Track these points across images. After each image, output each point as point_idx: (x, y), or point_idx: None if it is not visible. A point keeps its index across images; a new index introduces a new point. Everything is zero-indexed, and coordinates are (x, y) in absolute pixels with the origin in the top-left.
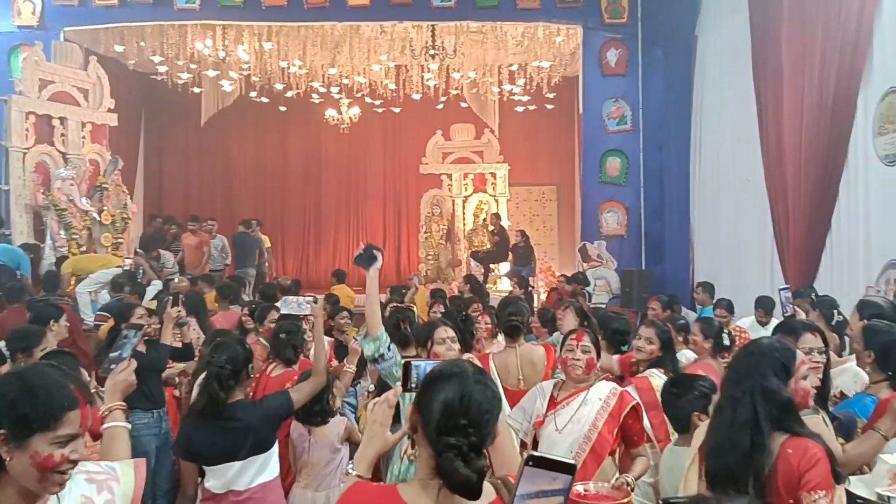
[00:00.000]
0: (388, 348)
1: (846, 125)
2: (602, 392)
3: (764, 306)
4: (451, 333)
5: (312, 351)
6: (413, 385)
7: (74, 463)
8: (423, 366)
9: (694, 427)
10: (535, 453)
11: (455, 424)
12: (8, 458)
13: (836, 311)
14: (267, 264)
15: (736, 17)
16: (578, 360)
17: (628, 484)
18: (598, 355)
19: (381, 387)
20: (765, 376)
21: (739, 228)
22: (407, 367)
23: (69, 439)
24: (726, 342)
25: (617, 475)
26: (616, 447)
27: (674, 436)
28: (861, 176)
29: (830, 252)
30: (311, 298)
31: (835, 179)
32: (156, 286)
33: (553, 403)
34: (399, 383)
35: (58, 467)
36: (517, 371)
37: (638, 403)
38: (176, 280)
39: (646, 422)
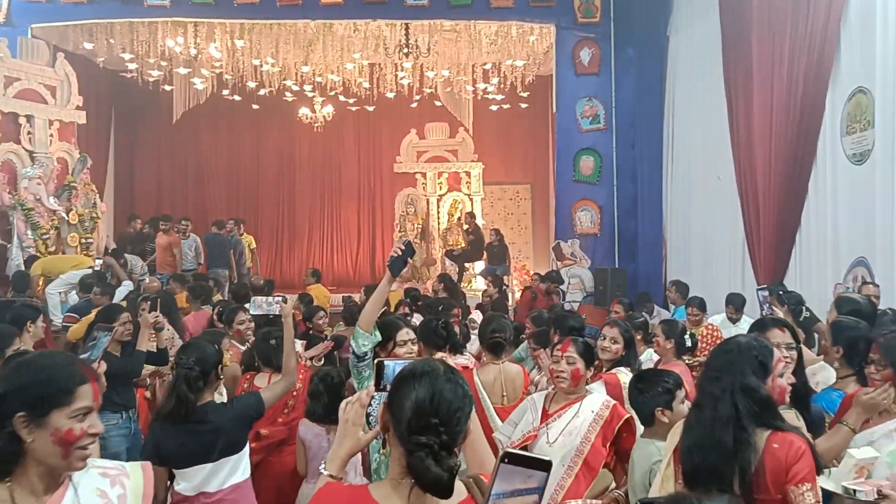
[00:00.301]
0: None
1: (815, 124)
2: (595, 404)
3: (734, 303)
4: (413, 336)
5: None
6: (385, 384)
7: (94, 437)
8: (393, 365)
9: (658, 422)
10: (511, 450)
11: (426, 423)
12: (30, 440)
13: (803, 308)
14: (252, 265)
15: (707, 18)
16: (563, 371)
17: (617, 501)
18: (590, 364)
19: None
20: (744, 374)
21: (711, 226)
22: (380, 367)
23: (85, 412)
24: (688, 343)
25: (613, 486)
26: (610, 460)
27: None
28: (829, 174)
29: (800, 249)
30: (280, 298)
31: (804, 178)
32: (126, 286)
33: (545, 416)
34: (372, 383)
35: (79, 441)
36: (501, 388)
37: (631, 416)
38: (147, 280)
39: None
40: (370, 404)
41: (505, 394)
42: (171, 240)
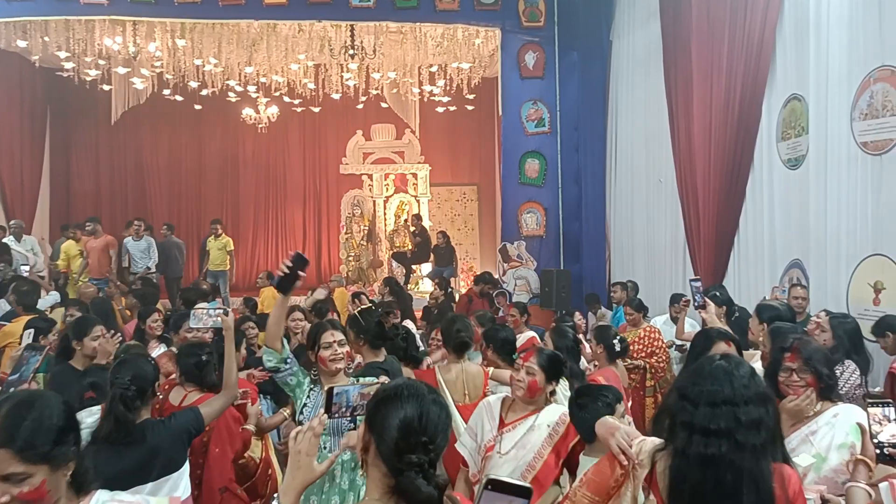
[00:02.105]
0: (288, 359)
1: (752, 130)
2: (552, 418)
3: (678, 303)
4: (340, 336)
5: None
6: (343, 410)
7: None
8: (350, 390)
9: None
10: (494, 477)
11: (416, 442)
12: None
13: (735, 308)
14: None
15: (648, 23)
16: (521, 381)
17: None
18: (552, 378)
19: None
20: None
21: (653, 228)
22: (330, 394)
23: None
24: (618, 348)
25: (559, 500)
26: (559, 476)
27: None
28: (766, 179)
29: (738, 251)
30: (221, 311)
31: (742, 182)
32: (53, 297)
33: (501, 424)
34: (323, 409)
35: None
36: (463, 386)
37: None
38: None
39: None
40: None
41: (467, 392)
42: (108, 241)
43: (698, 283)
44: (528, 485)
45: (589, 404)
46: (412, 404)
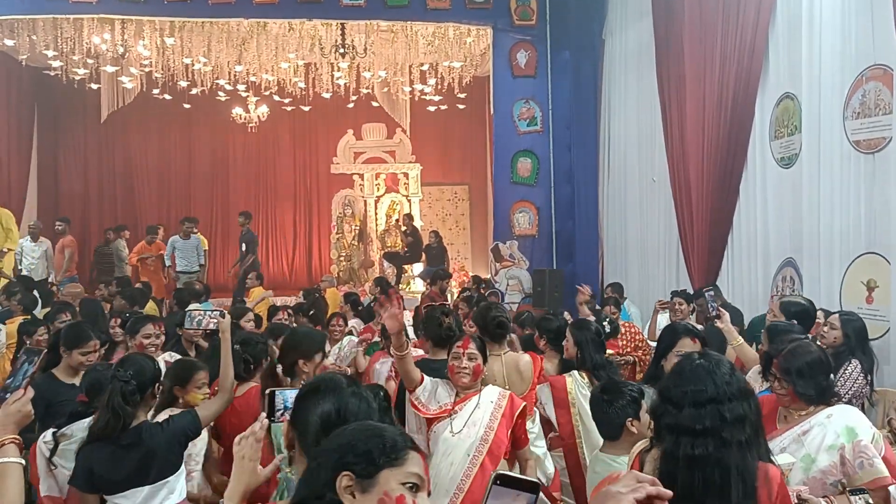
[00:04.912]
0: None
1: (745, 128)
2: (493, 395)
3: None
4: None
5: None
6: (279, 413)
7: None
8: (288, 393)
9: (626, 434)
10: (503, 472)
11: None
12: None
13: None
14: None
15: (640, 22)
16: (465, 367)
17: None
18: (485, 360)
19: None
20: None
21: (646, 227)
22: (271, 397)
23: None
24: (608, 329)
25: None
26: (509, 448)
27: (579, 437)
28: (759, 177)
29: (731, 251)
30: (217, 313)
31: (735, 181)
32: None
33: (449, 408)
34: (265, 414)
35: None
36: (503, 379)
37: (525, 406)
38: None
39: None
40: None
41: (507, 384)
42: (65, 242)
43: (713, 293)
44: (535, 479)
45: (615, 400)
46: (330, 399)
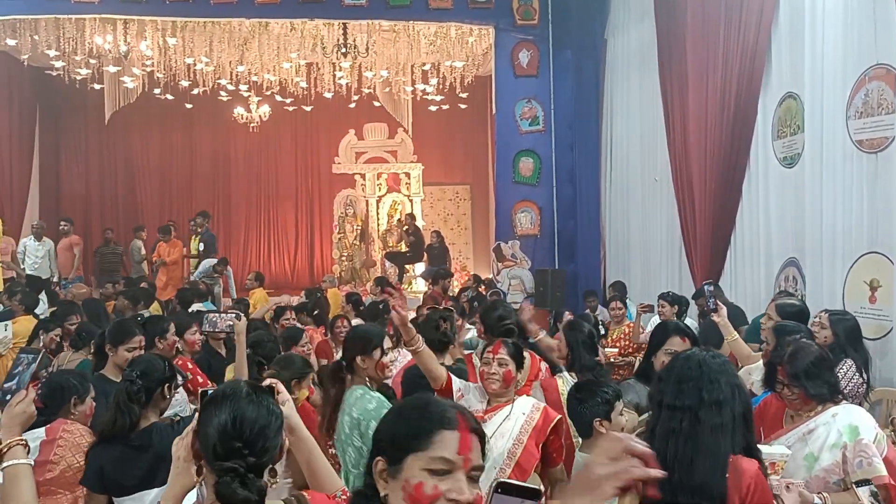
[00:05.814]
0: None
1: (747, 128)
2: (525, 407)
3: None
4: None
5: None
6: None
7: None
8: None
9: (596, 433)
10: (504, 480)
11: (230, 447)
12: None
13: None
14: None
15: (643, 21)
16: (495, 373)
17: None
18: (520, 366)
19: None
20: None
21: (649, 227)
22: (203, 396)
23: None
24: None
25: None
26: (538, 461)
27: (576, 437)
28: (762, 177)
29: (734, 250)
30: (234, 314)
31: (738, 180)
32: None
33: (479, 416)
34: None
35: None
36: None
37: (561, 419)
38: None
39: None
40: None
41: None
42: (72, 241)
43: (711, 287)
44: (536, 486)
45: (587, 399)
46: (226, 407)
